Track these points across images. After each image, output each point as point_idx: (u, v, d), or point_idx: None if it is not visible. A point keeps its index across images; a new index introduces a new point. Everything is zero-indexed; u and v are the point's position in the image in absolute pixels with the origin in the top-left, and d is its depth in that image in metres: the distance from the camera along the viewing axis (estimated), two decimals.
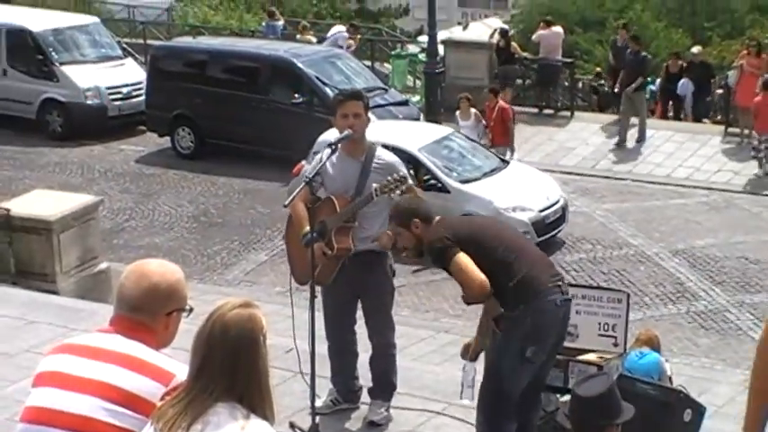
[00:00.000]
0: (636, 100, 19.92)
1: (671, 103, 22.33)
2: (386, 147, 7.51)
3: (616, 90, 20.67)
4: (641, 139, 19.99)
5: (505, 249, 6.10)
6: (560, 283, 6.19)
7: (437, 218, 6.33)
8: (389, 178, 6.67)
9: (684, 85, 21.72)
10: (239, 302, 3.46)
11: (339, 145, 6.77)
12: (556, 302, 6.04)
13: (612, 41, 23.26)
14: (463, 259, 5.99)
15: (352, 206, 6.78)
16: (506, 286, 6.01)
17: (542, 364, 6.19)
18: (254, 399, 3.32)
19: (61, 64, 21.31)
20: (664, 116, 22.29)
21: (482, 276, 5.96)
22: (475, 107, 18.78)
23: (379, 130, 16.12)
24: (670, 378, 9.07)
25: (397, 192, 6.70)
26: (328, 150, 6.64)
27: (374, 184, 6.68)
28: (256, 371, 3.34)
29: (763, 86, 18.84)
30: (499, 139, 18.33)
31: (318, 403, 7.03)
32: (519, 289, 6.00)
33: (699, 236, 15.86)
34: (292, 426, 6.77)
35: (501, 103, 18.56)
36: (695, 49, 23.20)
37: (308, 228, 6.58)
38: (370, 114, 7.15)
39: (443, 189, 15.28)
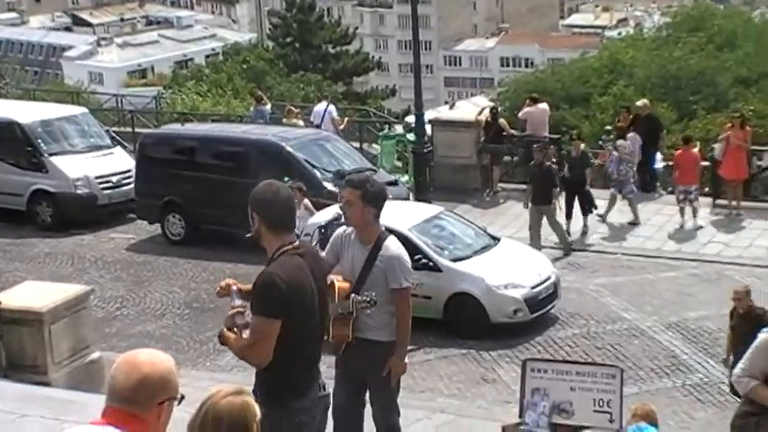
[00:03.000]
0: (547, 214, 18.53)
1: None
2: None
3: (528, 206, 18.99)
4: (567, 252, 18.62)
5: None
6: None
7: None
8: (366, 295, 6.75)
9: (632, 139, 21.47)
10: (231, 390, 3.47)
11: (349, 229, 6.89)
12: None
13: (567, 153, 21.65)
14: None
15: (338, 306, 6.81)
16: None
17: None
18: None
19: (50, 155, 21.42)
20: None
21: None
22: (307, 197, 16.84)
23: None
24: None
25: (367, 312, 6.77)
26: (317, 232, 6.69)
27: (354, 296, 6.77)
28: None
29: (683, 141, 20.45)
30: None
31: None
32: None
33: (691, 308, 15.87)
34: None
35: (305, 201, 17.89)
36: (640, 102, 23.06)
37: None
38: None
39: (435, 268, 15.31)
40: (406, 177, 22.37)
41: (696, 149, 20.54)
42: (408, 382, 13.37)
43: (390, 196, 19.24)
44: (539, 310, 15.28)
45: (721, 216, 20.09)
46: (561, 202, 19.19)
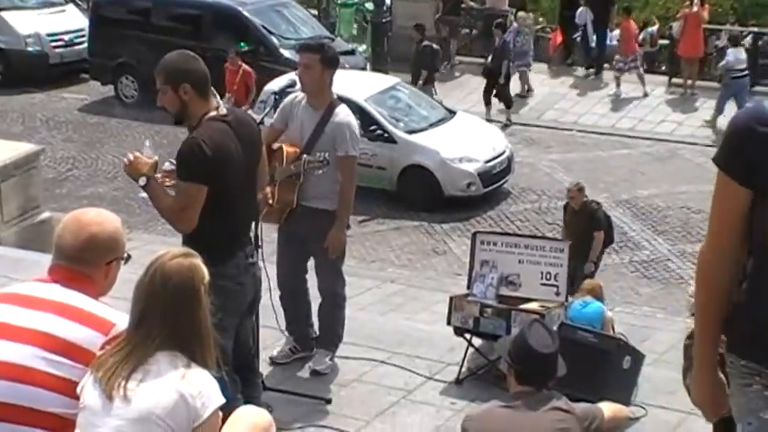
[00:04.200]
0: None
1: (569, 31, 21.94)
2: None
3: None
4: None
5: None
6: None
7: None
8: (319, 155, 6.69)
9: (583, 14, 21.31)
10: (180, 252, 3.47)
11: (300, 95, 6.79)
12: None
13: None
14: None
15: (285, 170, 6.78)
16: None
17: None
18: (195, 347, 3.34)
19: (0, 10, 20.93)
20: (565, 45, 21.98)
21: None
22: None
23: None
24: (612, 327, 9.20)
25: (319, 171, 6.70)
26: (272, 99, 6.59)
27: (305, 156, 6.70)
28: (197, 320, 3.36)
29: (625, 12, 20.59)
30: (243, 101, 17.08)
31: (275, 353, 7.11)
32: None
33: (642, 186, 16.02)
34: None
35: (244, 66, 17.38)
36: None
37: None
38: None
39: (390, 139, 15.31)
40: (363, 47, 22.15)
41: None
42: (360, 252, 13.53)
43: (347, 66, 19.27)
44: (492, 185, 15.36)
45: (676, 95, 20.15)
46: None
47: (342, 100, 7.03)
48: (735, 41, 19.10)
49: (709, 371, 3.38)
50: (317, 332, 7.24)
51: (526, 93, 20.22)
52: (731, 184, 3.05)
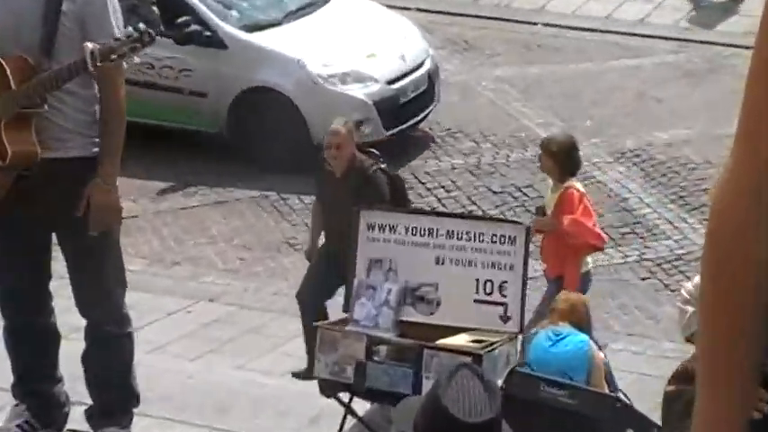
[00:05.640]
0: None
1: None
2: None
3: None
4: None
5: None
6: None
7: None
8: (122, 37, 6.80)
9: None
10: None
11: None
12: None
13: None
14: None
15: (45, 78, 6.83)
16: None
17: None
18: None
19: None
20: None
21: None
22: None
23: None
24: (607, 376, 9.27)
25: (134, 59, 6.91)
26: None
27: (89, 44, 6.73)
28: None
29: None
30: None
31: None
32: None
33: (661, 125, 16.18)
34: None
35: None
36: None
37: None
38: None
39: (216, 42, 15.34)
40: None
41: None
42: (153, 248, 13.48)
43: None
44: (401, 123, 15.44)
45: None
46: None
47: None
48: None
49: None
50: (90, 395, 7.38)
51: None
52: None
